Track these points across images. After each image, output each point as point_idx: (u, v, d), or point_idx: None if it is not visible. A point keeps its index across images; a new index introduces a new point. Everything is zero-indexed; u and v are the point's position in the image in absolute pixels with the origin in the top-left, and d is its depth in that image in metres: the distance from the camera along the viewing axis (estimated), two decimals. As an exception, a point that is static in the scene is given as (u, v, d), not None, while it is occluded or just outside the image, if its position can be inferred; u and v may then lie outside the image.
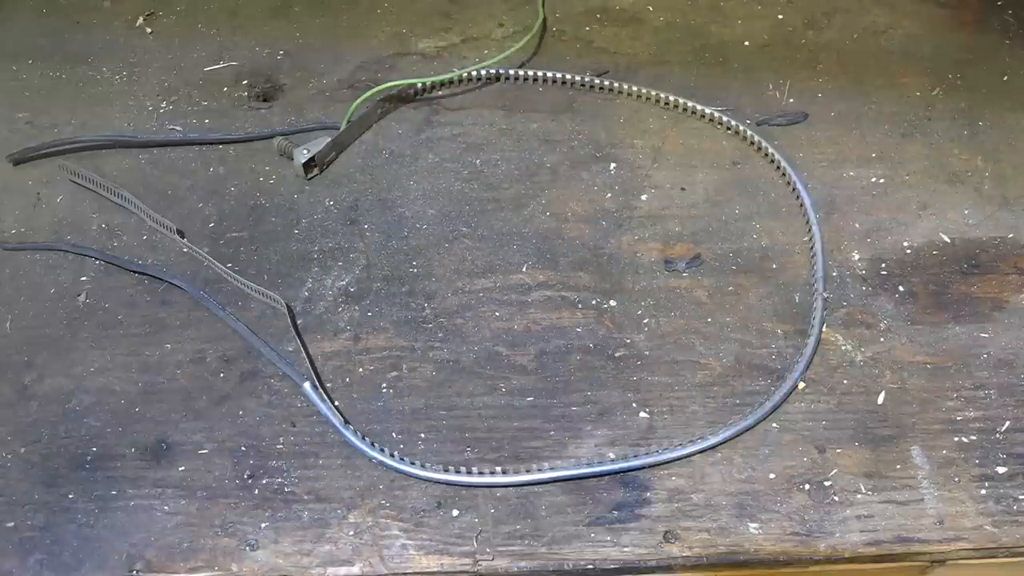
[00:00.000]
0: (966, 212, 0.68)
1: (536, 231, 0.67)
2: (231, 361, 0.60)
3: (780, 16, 0.81)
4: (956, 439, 0.57)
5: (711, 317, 0.62)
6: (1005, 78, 0.76)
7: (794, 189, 0.69)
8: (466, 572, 0.52)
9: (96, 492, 0.54)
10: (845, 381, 0.59)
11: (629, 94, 0.75)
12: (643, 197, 0.68)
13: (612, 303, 0.63)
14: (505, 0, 0.82)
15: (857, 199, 0.69)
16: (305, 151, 0.68)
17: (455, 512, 0.54)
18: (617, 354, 0.60)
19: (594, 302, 0.63)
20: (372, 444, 0.56)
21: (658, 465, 0.55)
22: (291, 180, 0.69)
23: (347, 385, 0.59)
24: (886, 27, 0.80)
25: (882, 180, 0.70)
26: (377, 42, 0.79)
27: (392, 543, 0.52)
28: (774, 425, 0.57)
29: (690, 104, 0.73)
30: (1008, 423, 0.58)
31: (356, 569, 0.51)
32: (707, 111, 0.73)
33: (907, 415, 0.58)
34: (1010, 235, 0.67)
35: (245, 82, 0.75)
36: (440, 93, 0.75)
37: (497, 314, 0.62)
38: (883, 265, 0.65)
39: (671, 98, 0.74)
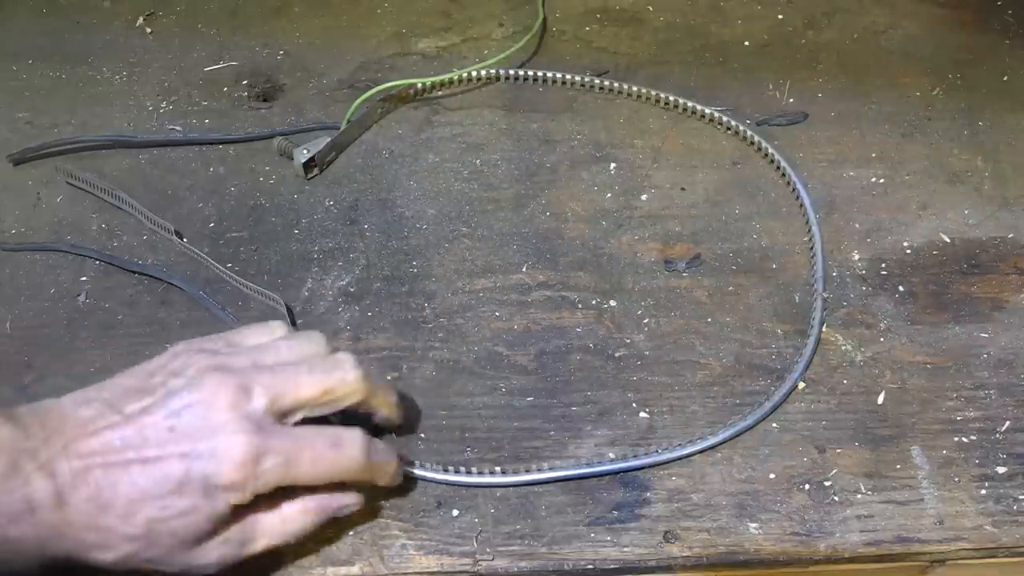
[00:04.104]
0: (966, 212, 0.68)
1: (536, 231, 0.67)
2: (231, 361, 0.60)
3: (780, 16, 0.81)
4: (956, 439, 0.57)
5: (711, 317, 0.62)
6: (1005, 78, 0.76)
7: (794, 189, 0.69)
8: (466, 572, 0.52)
9: (96, 492, 0.54)
10: (845, 381, 0.59)
11: (629, 94, 0.75)
12: (643, 197, 0.69)
13: (612, 303, 0.63)
14: (505, 0, 0.82)
15: (857, 199, 0.69)
16: (305, 151, 0.69)
17: (455, 512, 0.54)
18: (617, 354, 0.60)
19: (594, 302, 0.63)
20: (372, 444, 0.56)
21: (658, 465, 0.55)
22: (291, 180, 0.69)
23: (347, 385, 0.59)
24: (886, 27, 0.80)
25: (882, 180, 0.70)
26: (377, 42, 0.79)
27: (392, 543, 0.52)
28: (774, 425, 0.57)
29: (690, 104, 0.73)
30: (1008, 423, 0.58)
31: (356, 569, 0.51)
32: (707, 111, 0.73)
33: (907, 415, 0.58)
34: (1010, 235, 0.67)
35: (245, 82, 0.76)
36: (440, 93, 0.75)
37: (497, 314, 0.62)
38: (883, 265, 0.65)
39: (671, 98, 0.74)
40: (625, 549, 0.52)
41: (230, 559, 0.48)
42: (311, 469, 0.47)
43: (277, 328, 0.52)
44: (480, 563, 0.52)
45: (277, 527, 0.48)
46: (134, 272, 0.64)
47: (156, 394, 0.47)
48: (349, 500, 0.50)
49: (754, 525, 0.53)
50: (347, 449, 0.48)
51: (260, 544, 0.48)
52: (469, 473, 0.55)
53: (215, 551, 0.47)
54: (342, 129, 0.71)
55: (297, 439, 0.47)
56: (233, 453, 0.45)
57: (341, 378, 0.49)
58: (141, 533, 0.45)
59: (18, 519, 0.43)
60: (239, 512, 0.47)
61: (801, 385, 0.59)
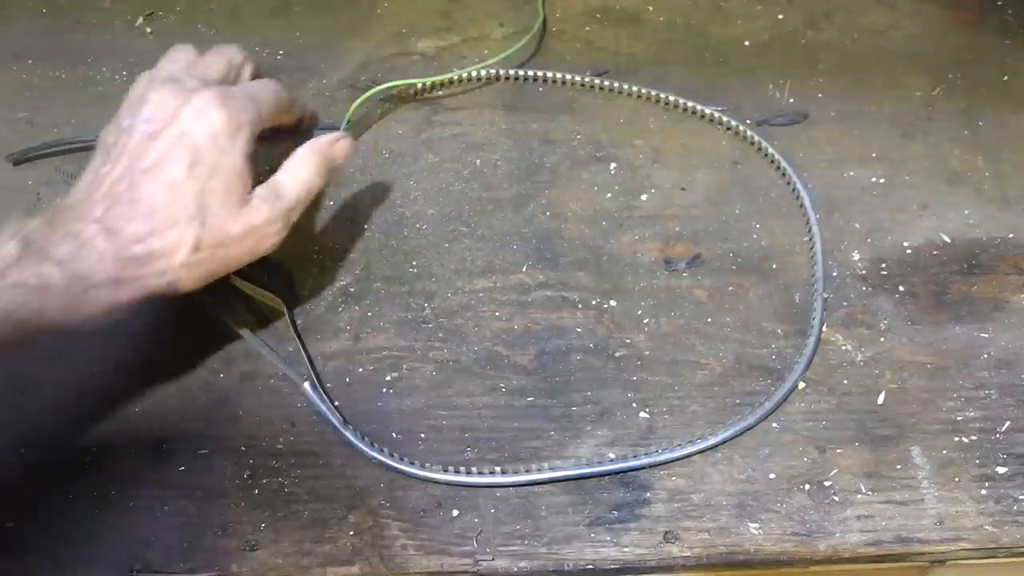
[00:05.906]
0: (966, 212, 0.68)
1: (536, 231, 0.67)
2: (231, 361, 0.60)
3: (780, 16, 0.81)
4: (956, 439, 0.57)
5: (711, 317, 0.62)
6: (1005, 78, 0.76)
7: (794, 189, 0.69)
8: (466, 572, 0.52)
9: (96, 492, 0.54)
10: (845, 381, 0.59)
11: (629, 94, 0.75)
12: (643, 197, 0.68)
13: (612, 303, 0.63)
14: (505, 0, 0.82)
15: (857, 199, 0.69)
16: (305, 151, 0.68)
17: (455, 512, 0.54)
18: (617, 354, 0.60)
19: (594, 302, 0.63)
20: (372, 444, 0.56)
21: (658, 465, 0.55)
22: (291, 180, 0.69)
23: (347, 385, 0.59)
24: (886, 27, 0.80)
25: (882, 180, 0.70)
26: (377, 42, 0.79)
27: (392, 543, 0.53)
28: (774, 425, 0.57)
29: (690, 104, 0.73)
30: (1008, 423, 0.58)
31: (356, 569, 0.52)
32: (707, 111, 0.73)
33: (907, 415, 0.58)
34: (1010, 235, 0.67)
35: (245, 82, 0.75)
36: (440, 93, 0.75)
37: (497, 314, 0.62)
38: (883, 265, 0.65)
39: (671, 98, 0.74)
40: (625, 549, 0.52)
41: (279, 220, 0.54)
42: (267, 104, 0.56)
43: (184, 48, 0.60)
44: (480, 563, 0.52)
45: (290, 177, 0.55)
46: (134, 272, 0.63)
47: (122, 133, 0.53)
48: (336, 135, 0.59)
49: (754, 525, 0.53)
50: (269, 84, 0.59)
51: (291, 197, 0.55)
52: (469, 473, 0.55)
53: (261, 209, 0.53)
54: (342, 129, 0.70)
55: (243, 88, 0.57)
56: (208, 101, 0.52)
57: (230, 55, 0.59)
58: (195, 209, 0.51)
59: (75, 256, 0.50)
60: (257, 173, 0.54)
61: (801, 385, 0.59)
